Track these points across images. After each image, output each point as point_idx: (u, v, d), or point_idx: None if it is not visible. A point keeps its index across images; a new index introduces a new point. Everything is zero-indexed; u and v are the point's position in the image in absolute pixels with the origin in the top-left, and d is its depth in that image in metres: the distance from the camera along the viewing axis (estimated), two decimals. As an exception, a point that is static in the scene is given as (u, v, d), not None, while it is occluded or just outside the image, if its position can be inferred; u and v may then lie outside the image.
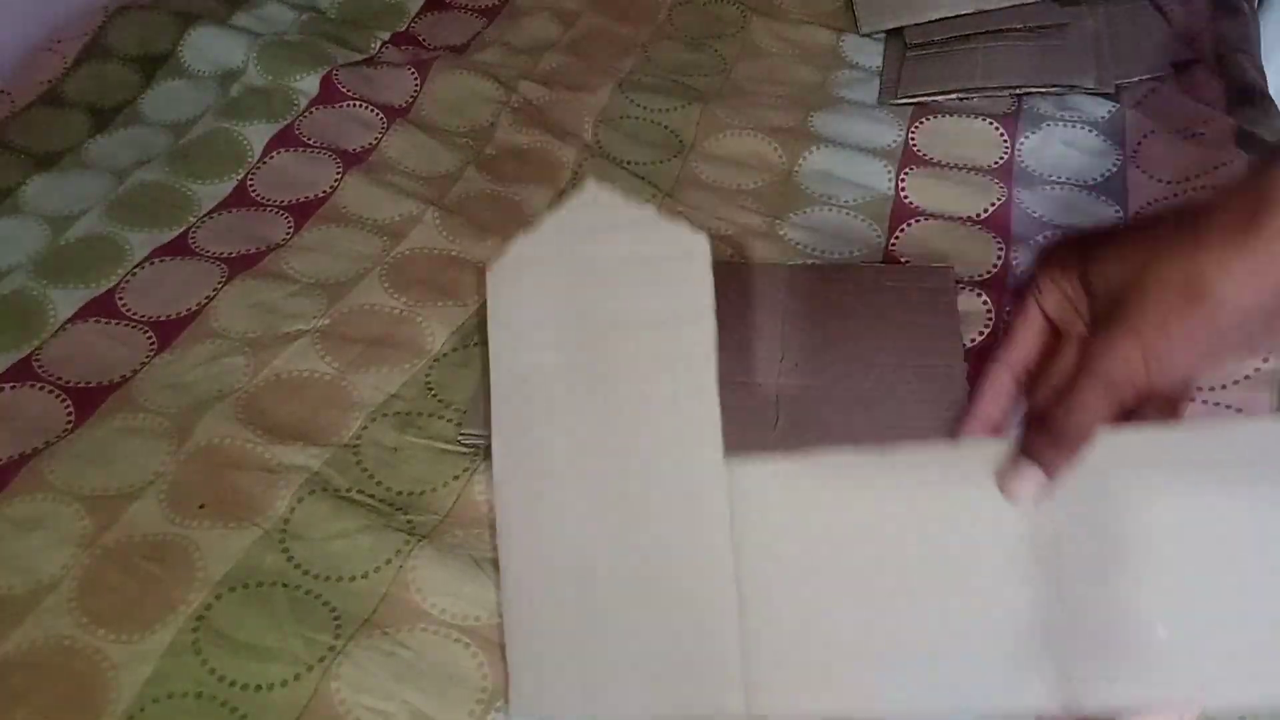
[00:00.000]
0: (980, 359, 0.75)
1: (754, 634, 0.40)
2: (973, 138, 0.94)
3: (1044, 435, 0.36)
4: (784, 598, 0.40)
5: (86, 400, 0.71)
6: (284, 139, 0.93)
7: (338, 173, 0.90)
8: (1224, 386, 0.71)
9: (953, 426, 0.38)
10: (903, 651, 0.39)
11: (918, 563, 0.38)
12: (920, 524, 0.38)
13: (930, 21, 1.04)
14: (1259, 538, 0.36)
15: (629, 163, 0.92)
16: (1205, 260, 0.33)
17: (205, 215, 0.86)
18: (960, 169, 0.91)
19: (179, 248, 0.83)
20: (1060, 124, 0.94)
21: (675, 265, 0.41)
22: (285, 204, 0.88)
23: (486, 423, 0.56)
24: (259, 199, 0.88)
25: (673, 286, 0.41)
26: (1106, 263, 0.36)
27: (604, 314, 0.43)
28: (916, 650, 0.39)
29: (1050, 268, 0.39)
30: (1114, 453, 0.35)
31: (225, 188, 0.89)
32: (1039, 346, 0.38)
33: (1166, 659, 0.37)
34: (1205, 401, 0.71)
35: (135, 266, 0.81)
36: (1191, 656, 0.37)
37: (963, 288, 0.80)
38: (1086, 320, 0.37)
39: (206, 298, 0.79)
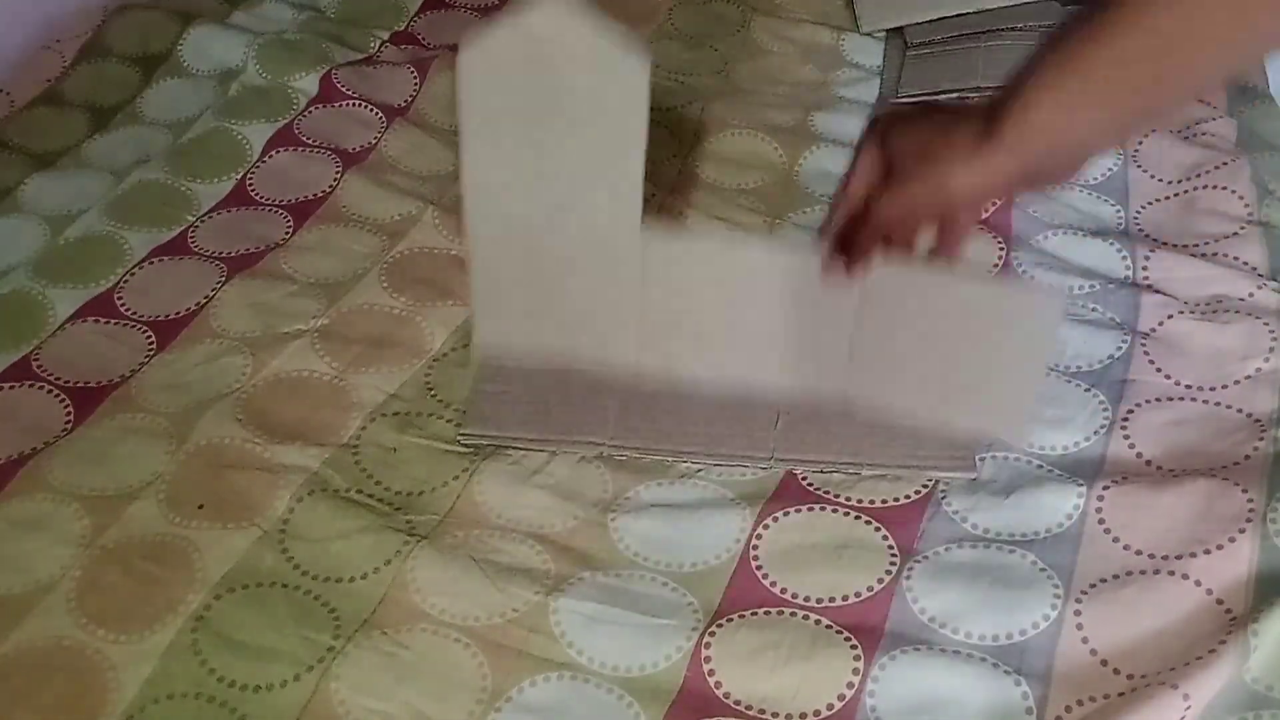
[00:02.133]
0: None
1: (653, 311, 0.61)
2: (973, 137, 0.93)
3: (845, 253, 0.56)
4: (674, 299, 0.61)
5: (85, 400, 0.71)
6: (283, 138, 0.92)
7: (337, 172, 0.90)
8: (1225, 387, 0.71)
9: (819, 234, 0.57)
10: (736, 340, 0.61)
11: (774, 288, 0.60)
12: (773, 274, 0.59)
13: (931, 21, 1.04)
14: (961, 331, 0.57)
15: (629, 162, 0.92)
16: (948, 161, 0.51)
17: (205, 215, 0.86)
18: (960, 168, 0.91)
19: (178, 247, 0.83)
20: (1060, 123, 0.94)
21: (617, 86, 0.53)
22: (285, 203, 0.87)
23: (485, 422, 0.69)
24: (258, 198, 0.88)
25: (612, 104, 0.54)
26: (897, 143, 0.53)
27: (556, 110, 0.55)
28: (746, 341, 0.61)
29: (870, 136, 0.55)
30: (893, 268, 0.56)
31: (224, 187, 0.89)
32: (868, 187, 0.55)
33: (907, 390, 0.59)
34: (1206, 401, 0.71)
35: (134, 266, 0.81)
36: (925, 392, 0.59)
37: (963, 287, 0.80)
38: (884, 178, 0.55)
39: (206, 297, 0.79)
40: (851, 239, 0.56)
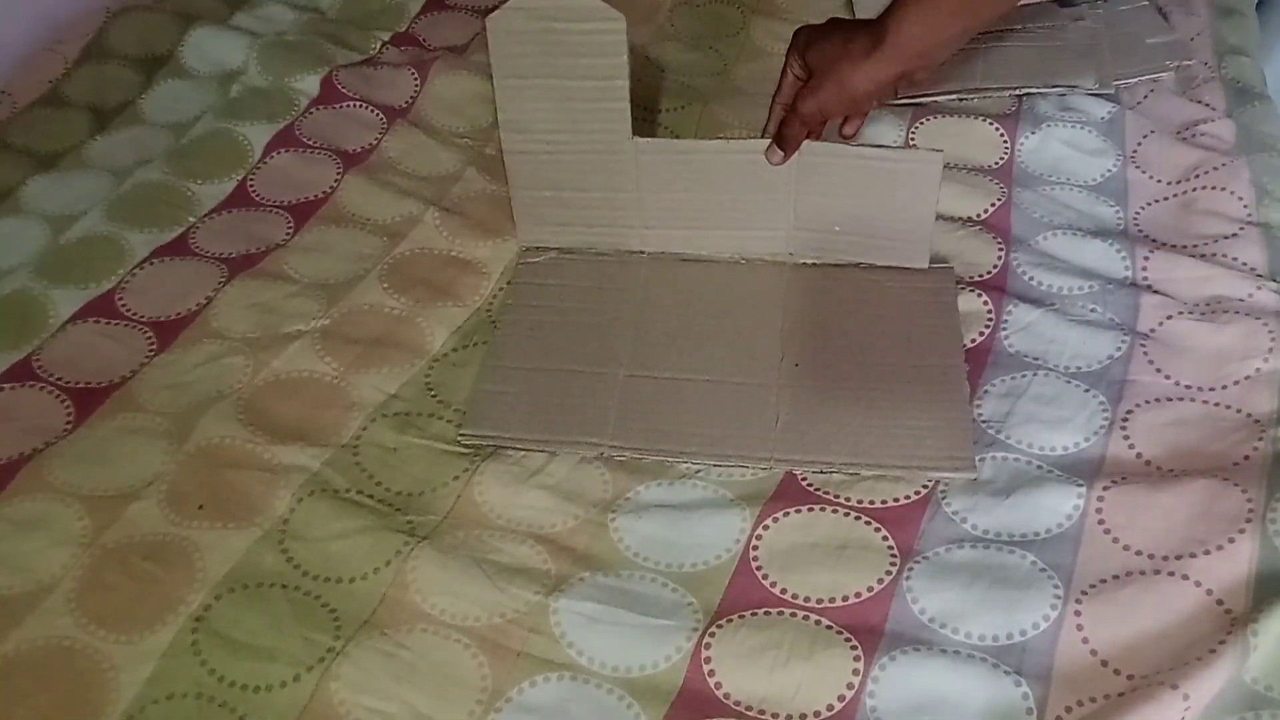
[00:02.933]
0: (980, 358, 0.75)
1: (647, 202, 0.82)
2: (973, 138, 0.94)
3: (780, 139, 0.77)
4: (662, 190, 0.81)
5: (86, 400, 0.71)
6: (284, 139, 0.93)
7: (338, 173, 0.90)
8: (1224, 387, 0.71)
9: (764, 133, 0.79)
10: (712, 217, 0.82)
11: (734, 175, 0.80)
12: (733, 163, 0.80)
13: (930, 22, 1.04)
14: (879, 185, 0.78)
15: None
16: (848, 65, 0.71)
17: (205, 215, 0.86)
18: (960, 169, 0.91)
19: (179, 248, 0.83)
20: (1060, 124, 0.94)
21: (597, 39, 0.74)
22: (285, 204, 0.88)
23: (485, 423, 0.73)
24: (259, 199, 0.88)
25: (596, 50, 0.75)
26: (811, 53, 0.74)
27: (563, 55, 0.75)
28: (719, 216, 0.82)
29: (793, 48, 0.76)
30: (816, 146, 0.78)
31: (225, 188, 0.89)
32: (794, 91, 0.76)
33: (837, 239, 0.82)
34: (1206, 401, 0.71)
35: (135, 266, 0.81)
36: (850, 237, 0.81)
37: (963, 288, 0.80)
38: (805, 80, 0.76)
39: (206, 298, 0.79)
40: (783, 131, 0.77)
